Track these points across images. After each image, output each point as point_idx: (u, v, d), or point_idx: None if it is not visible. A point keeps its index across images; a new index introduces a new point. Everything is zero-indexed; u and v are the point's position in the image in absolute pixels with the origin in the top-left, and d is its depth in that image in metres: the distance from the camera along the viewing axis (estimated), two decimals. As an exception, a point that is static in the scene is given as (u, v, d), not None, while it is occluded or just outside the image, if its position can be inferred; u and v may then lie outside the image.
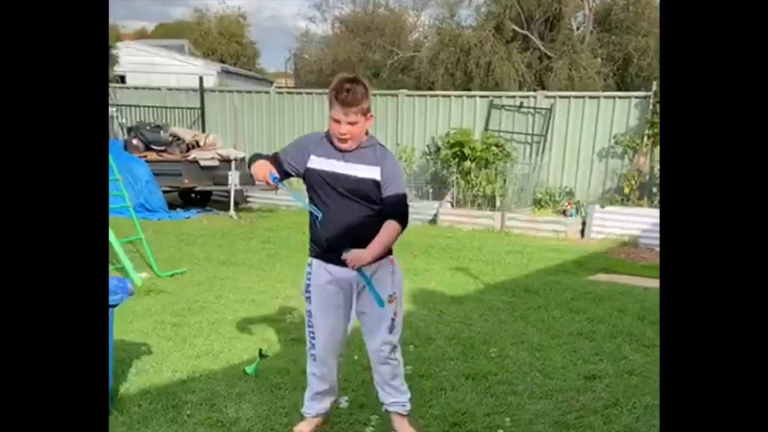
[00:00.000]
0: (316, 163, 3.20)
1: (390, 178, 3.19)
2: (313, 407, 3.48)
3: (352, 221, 3.19)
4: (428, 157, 12.11)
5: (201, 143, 12.42)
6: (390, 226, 3.18)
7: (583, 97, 11.48)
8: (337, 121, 3.11)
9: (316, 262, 3.29)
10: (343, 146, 3.15)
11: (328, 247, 3.18)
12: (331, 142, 3.19)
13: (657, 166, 10.36)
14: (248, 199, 13.08)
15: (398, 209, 3.21)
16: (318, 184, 3.19)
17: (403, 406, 3.43)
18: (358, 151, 3.18)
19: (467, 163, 10.99)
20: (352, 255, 3.09)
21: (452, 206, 11.33)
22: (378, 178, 3.17)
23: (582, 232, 10.29)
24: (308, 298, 3.32)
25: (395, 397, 3.43)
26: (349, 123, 3.10)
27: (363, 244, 3.12)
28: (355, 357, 4.38)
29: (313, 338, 3.33)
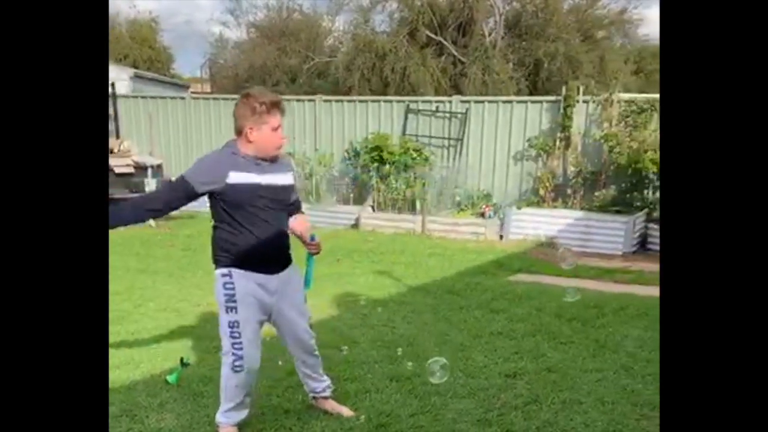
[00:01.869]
0: (238, 178, 3.22)
1: (295, 181, 3.51)
2: (233, 417, 3.47)
3: (283, 227, 3.38)
4: (348, 162, 12.13)
5: (115, 150, 12.08)
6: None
7: (497, 101, 11.72)
8: (277, 128, 3.23)
9: (238, 272, 3.30)
10: (278, 153, 3.31)
11: (268, 258, 3.32)
12: (243, 157, 3.25)
13: (570, 169, 10.69)
14: (165, 206, 12.77)
15: (300, 206, 3.63)
16: (246, 199, 3.24)
17: (330, 388, 3.82)
18: (273, 162, 3.34)
19: (386, 168, 11.09)
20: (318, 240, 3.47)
21: (373, 210, 11.40)
22: (292, 182, 3.46)
23: (501, 233, 10.52)
24: (233, 308, 3.28)
25: (323, 383, 3.78)
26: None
27: (288, 245, 3.39)
28: (279, 363, 4.37)
29: (240, 349, 3.30)
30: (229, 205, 3.26)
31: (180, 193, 3.28)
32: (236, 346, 3.30)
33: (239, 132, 3.26)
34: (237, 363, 3.31)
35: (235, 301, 3.28)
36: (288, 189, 3.42)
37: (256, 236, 3.28)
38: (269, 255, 3.34)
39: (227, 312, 3.29)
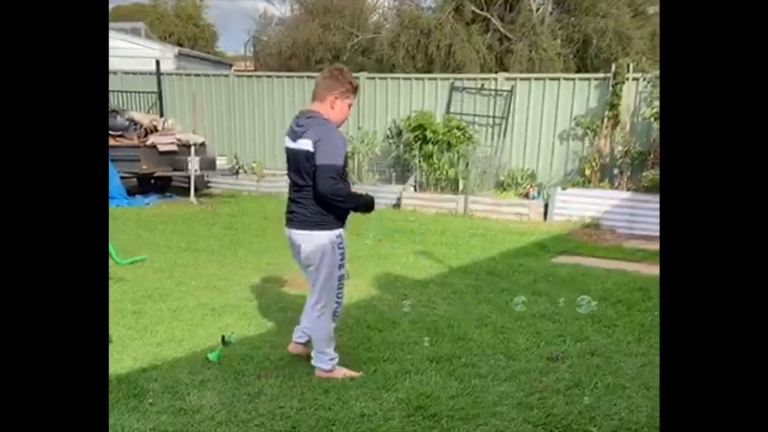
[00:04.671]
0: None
1: None
2: (335, 358, 3.98)
3: None
4: (390, 141, 12.06)
5: (159, 128, 12.20)
6: None
7: (544, 79, 11.53)
8: (350, 107, 3.82)
9: (344, 232, 3.83)
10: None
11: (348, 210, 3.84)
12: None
13: (617, 148, 10.47)
14: (209, 184, 12.91)
15: None
16: (346, 163, 3.77)
17: None
18: None
19: (429, 147, 10.97)
20: None
21: (415, 190, 11.33)
22: None
23: (544, 214, 10.38)
24: (342, 265, 3.84)
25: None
26: None
27: None
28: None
29: (341, 298, 3.95)
30: (343, 171, 3.72)
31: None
32: (339, 295, 3.91)
33: (321, 98, 3.72)
34: (338, 309, 3.96)
35: (343, 259, 3.82)
36: None
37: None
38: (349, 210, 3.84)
39: (339, 269, 3.83)
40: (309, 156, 3.62)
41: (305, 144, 3.63)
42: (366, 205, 3.79)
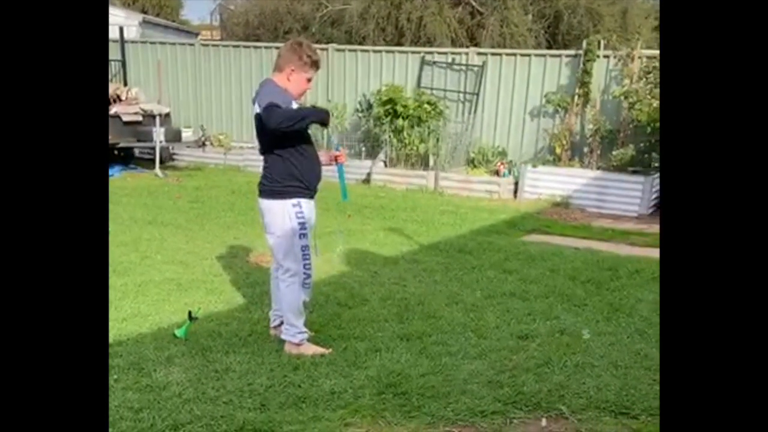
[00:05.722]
0: (296, 106, 3.82)
1: None
2: (305, 329, 3.99)
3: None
4: (360, 115, 11.94)
5: (123, 97, 11.95)
6: None
7: (515, 54, 11.48)
8: (309, 80, 3.87)
9: (305, 200, 3.84)
10: (300, 99, 3.94)
11: (316, 183, 3.90)
12: (286, 90, 3.81)
13: (588, 126, 10.49)
14: (174, 156, 12.69)
15: None
16: (305, 133, 3.83)
17: None
18: None
19: (400, 121, 10.86)
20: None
21: (385, 165, 11.26)
22: None
23: (515, 192, 10.39)
24: (304, 235, 3.83)
25: None
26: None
27: None
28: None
29: (309, 268, 3.92)
30: (295, 133, 3.68)
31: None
32: (306, 266, 3.89)
33: (280, 69, 3.81)
34: (307, 280, 3.94)
35: (305, 228, 3.83)
36: None
37: (314, 163, 3.87)
38: (317, 181, 3.91)
39: (300, 238, 3.83)
40: (259, 118, 3.68)
41: (256, 108, 3.70)
42: (316, 114, 3.76)
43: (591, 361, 3.92)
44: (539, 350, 4.09)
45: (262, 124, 3.65)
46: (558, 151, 10.55)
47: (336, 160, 4.12)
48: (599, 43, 10.54)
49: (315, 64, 3.84)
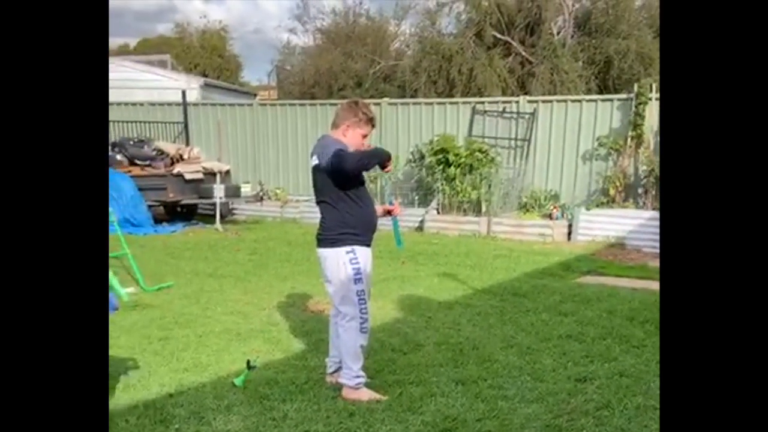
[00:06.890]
0: None
1: None
2: (363, 374, 4.01)
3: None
4: (413, 165, 12.08)
5: (185, 157, 12.38)
6: None
7: (566, 100, 11.52)
8: (365, 137, 4.00)
9: (360, 248, 3.92)
10: None
11: (372, 231, 4.01)
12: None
13: (641, 168, 10.39)
14: (234, 211, 13.03)
15: None
16: (361, 180, 3.99)
17: None
18: None
19: (452, 170, 10.96)
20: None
21: (438, 212, 11.32)
22: None
23: (568, 234, 10.30)
24: (359, 280, 3.90)
25: None
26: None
27: None
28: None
29: (366, 313, 3.96)
30: (355, 184, 3.90)
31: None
32: (363, 311, 3.93)
33: (336, 126, 3.97)
34: (364, 325, 3.96)
35: (360, 274, 3.90)
36: None
37: (369, 211, 3.99)
38: (373, 229, 4.01)
39: (356, 284, 3.90)
40: (318, 169, 3.86)
41: (314, 161, 3.88)
42: (377, 155, 3.91)
43: (653, 404, 3.83)
44: (598, 393, 4.02)
45: (321, 174, 3.82)
46: (612, 192, 10.46)
47: (390, 213, 4.27)
48: (651, 85, 10.49)
49: (370, 121, 3.99)
